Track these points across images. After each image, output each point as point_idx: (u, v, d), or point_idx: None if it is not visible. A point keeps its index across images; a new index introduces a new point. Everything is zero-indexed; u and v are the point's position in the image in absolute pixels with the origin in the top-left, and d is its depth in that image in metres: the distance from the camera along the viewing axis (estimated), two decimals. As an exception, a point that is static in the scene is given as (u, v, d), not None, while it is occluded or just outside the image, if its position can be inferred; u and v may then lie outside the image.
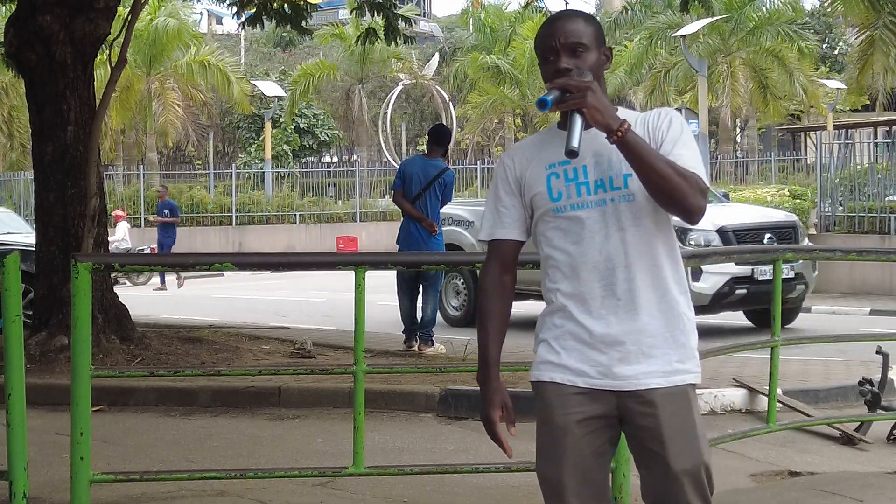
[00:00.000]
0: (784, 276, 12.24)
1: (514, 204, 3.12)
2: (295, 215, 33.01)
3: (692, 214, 2.93)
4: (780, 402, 7.28)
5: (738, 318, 14.46)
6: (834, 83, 38.16)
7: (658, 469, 3.01)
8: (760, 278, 12.74)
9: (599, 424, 3.03)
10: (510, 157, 3.17)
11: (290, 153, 45.14)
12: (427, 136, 11.23)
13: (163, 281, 23.55)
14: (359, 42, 14.42)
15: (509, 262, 3.17)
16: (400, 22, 13.18)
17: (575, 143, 2.85)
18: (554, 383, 3.05)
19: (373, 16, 13.45)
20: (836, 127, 34.99)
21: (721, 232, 12.86)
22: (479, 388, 3.14)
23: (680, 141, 3.00)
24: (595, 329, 3.00)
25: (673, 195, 2.90)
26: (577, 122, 2.87)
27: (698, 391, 8.77)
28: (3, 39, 10.48)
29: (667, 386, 3.00)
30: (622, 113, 2.99)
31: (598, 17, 53.84)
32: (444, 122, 37.56)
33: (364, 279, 4.73)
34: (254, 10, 13.06)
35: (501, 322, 3.15)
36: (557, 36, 3.02)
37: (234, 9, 13.58)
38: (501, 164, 3.17)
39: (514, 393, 8.28)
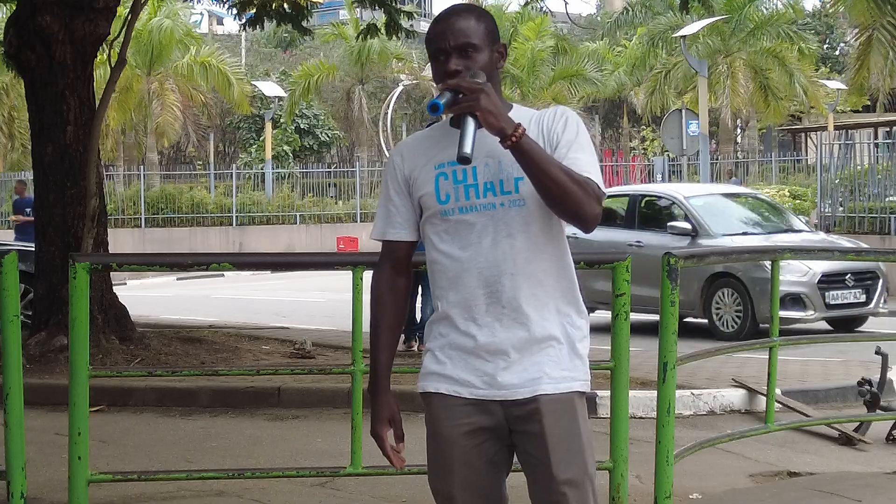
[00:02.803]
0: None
1: (403, 203, 3.00)
2: (295, 216, 33.02)
3: (587, 223, 2.82)
4: (779, 402, 7.28)
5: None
6: (834, 84, 38.16)
7: (542, 478, 2.91)
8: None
9: (487, 436, 2.94)
10: (399, 154, 3.03)
11: (290, 154, 45.13)
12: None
13: None
14: (359, 37, 14.41)
15: (402, 264, 3.07)
16: (401, 17, 13.19)
17: (468, 150, 2.71)
18: (440, 394, 2.95)
19: (373, 9, 13.44)
20: (836, 127, 34.99)
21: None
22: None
23: (575, 143, 2.87)
24: (479, 338, 2.90)
25: (567, 203, 2.79)
26: (470, 125, 2.74)
27: (698, 391, 8.76)
28: (3, 39, 10.47)
29: (552, 392, 2.90)
30: (518, 112, 2.89)
31: (598, 17, 53.81)
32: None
33: (362, 279, 4.72)
34: (254, 11, 13.07)
35: (394, 329, 3.06)
36: (448, 36, 2.89)
37: (235, 10, 13.60)
38: (391, 162, 3.03)
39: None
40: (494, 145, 2.82)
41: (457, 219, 2.92)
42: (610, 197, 13.75)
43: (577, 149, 2.87)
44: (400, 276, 3.08)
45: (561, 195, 2.78)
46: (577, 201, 2.78)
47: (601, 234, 12.79)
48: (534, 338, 2.90)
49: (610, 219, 13.63)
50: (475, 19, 2.92)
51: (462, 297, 2.93)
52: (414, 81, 43.59)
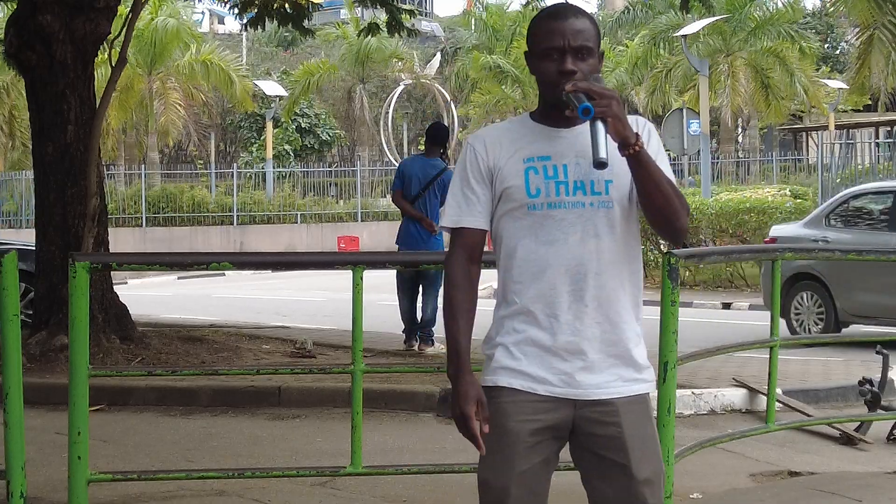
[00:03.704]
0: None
1: (483, 192, 2.99)
2: (296, 215, 33.02)
3: (679, 235, 2.91)
4: (779, 401, 7.28)
5: (739, 318, 14.44)
6: (835, 83, 38.17)
7: (619, 480, 2.94)
8: None
9: (549, 435, 2.95)
10: (481, 143, 3.02)
11: (291, 153, 45.14)
12: (425, 136, 11.21)
13: None
14: (360, 35, 14.41)
15: (476, 252, 3.04)
16: (403, 15, 13.19)
17: (603, 154, 2.76)
18: (512, 389, 2.95)
19: (374, 9, 13.44)
20: (837, 127, 35.02)
21: None
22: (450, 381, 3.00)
23: (660, 155, 2.94)
24: (559, 335, 2.92)
25: (668, 213, 2.87)
26: (602, 130, 2.78)
27: (699, 391, 8.76)
28: (3, 39, 10.47)
29: (629, 395, 2.95)
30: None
31: (599, 17, 53.81)
32: (446, 122, 37.58)
33: (362, 279, 4.72)
34: (255, 11, 13.08)
35: (470, 314, 3.02)
36: (566, 35, 2.90)
37: (236, 10, 13.60)
38: (471, 150, 3.02)
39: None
40: (585, 145, 2.87)
41: (544, 213, 2.93)
42: (863, 195, 12.84)
43: (662, 160, 2.94)
44: (473, 263, 3.04)
45: (665, 206, 2.86)
46: (677, 214, 2.88)
47: (857, 237, 12.14)
48: (611, 339, 2.94)
49: (862, 217, 12.55)
50: (590, 22, 2.97)
51: (544, 292, 2.93)
52: (415, 81, 43.53)
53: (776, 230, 13.76)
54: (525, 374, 2.95)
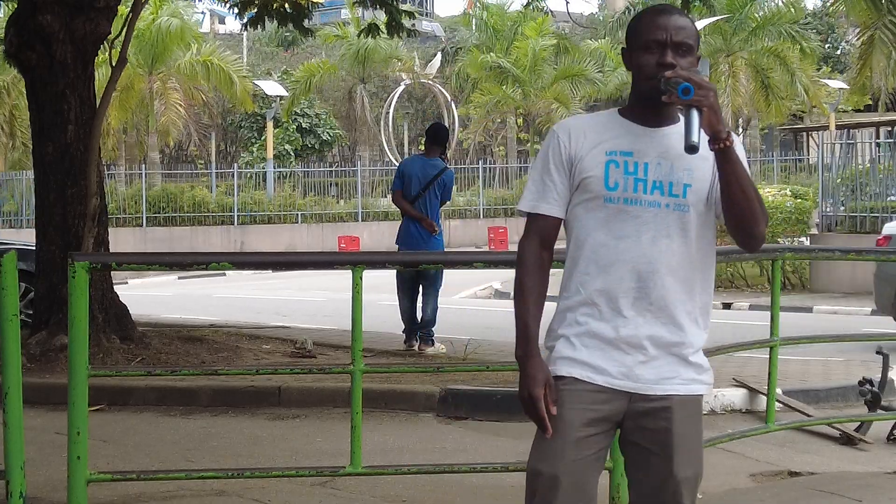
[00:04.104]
0: None
1: (562, 181, 3.02)
2: (297, 215, 33.02)
3: (757, 241, 2.94)
4: (779, 401, 7.28)
5: (739, 318, 14.44)
6: (836, 83, 38.18)
7: (658, 475, 2.97)
8: None
9: (604, 428, 2.98)
10: (565, 132, 3.04)
11: (291, 153, 45.14)
12: (425, 136, 11.21)
13: None
14: (360, 36, 14.42)
15: (549, 239, 3.06)
16: (403, 16, 13.19)
17: (696, 139, 2.80)
18: (572, 377, 2.97)
19: (374, 9, 13.45)
20: (838, 127, 34.98)
21: None
22: (518, 364, 3.01)
23: (743, 161, 2.97)
24: (622, 329, 2.95)
25: (749, 216, 2.89)
26: (697, 118, 2.81)
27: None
28: (3, 38, 10.47)
29: (684, 394, 2.98)
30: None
31: (600, 17, 53.80)
32: (447, 122, 37.61)
33: (361, 278, 4.72)
34: (255, 11, 13.08)
35: (540, 298, 3.03)
36: (669, 30, 2.95)
37: (236, 10, 13.60)
38: (555, 139, 3.04)
39: (514, 393, 8.23)
40: (668, 146, 2.93)
41: (619, 208, 2.96)
42: None
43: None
44: (546, 250, 3.07)
45: (748, 208, 2.88)
46: (757, 219, 2.90)
47: None
48: (672, 340, 2.97)
49: None
50: (691, 23, 3.02)
51: (610, 285, 2.96)
52: (415, 81, 43.51)
53: (889, 228, 13.79)
54: (585, 363, 2.97)
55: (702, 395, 3.04)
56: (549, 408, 2.94)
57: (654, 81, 2.91)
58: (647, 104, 2.98)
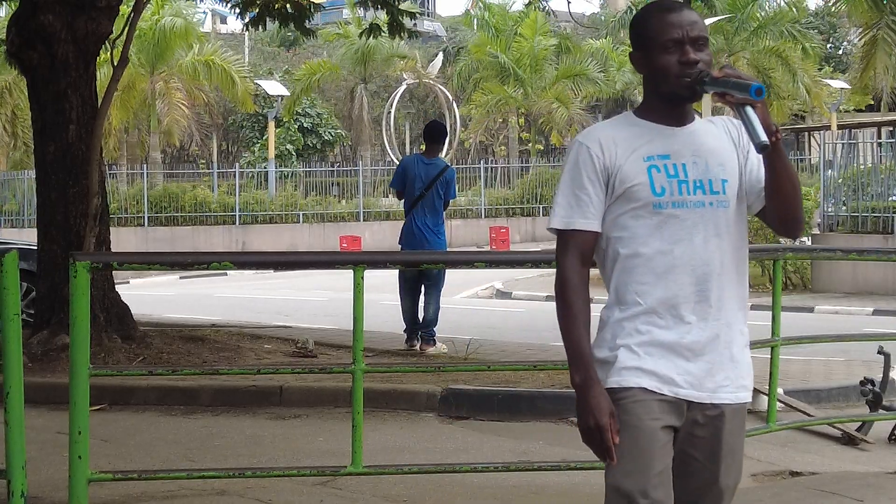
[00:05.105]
0: None
1: (597, 194, 2.92)
2: (298, 215, 33.01)
3: (798, 229, 2.96)
4: (781, 401, 7.27)
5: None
6: (838, 83, 38.17)
7: (701, 481, 2.97)
8: None
9: (671, 438, 2.93)
10: (595, 143, 2.94)
11: (293, 153, 45.14)
12: (424, 136, 11.21)
13: None
14: (362, 36, 14.41)
15: (588, 255, 2.97)
16: (404, 17, 13.19)
17: (765, 137, 2.75)
18: (641, 388, 2.89)
19: (375, 10, 13.44)
20: (839, 127, 34.97)
21: None
22: (573, 390, 2.91)
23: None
24: (686, 336, 2.89)
25: (793, 206, 2.91)
26: (755, 116, 2.77)
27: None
28: (4, 38, 10.48)
29: (733, 403, 2.96)
30: (699, 122, 2.99)
31: (601, 17, 53.77)
32: (448, 122, 37.58)
33: (362, 278, 4.72)
34: (257, 11, 13.07)
35: (589, 319, 2.94)
36: (685, 27, 2.90)
37: (238, 10, 13.59)
38: (585, 150, 2.94)
39: (515, 393, 8.24)
40: (699, 144, 2.92)
41: (669, 213, 2.90)
42: None
43: None
44: (585, 266, 2.97)
45: (793, 199, 2.90)
46: (799, 207, 2.93)
47: None
48: (727, 340, 2.94)
49: None
50: (698, 15, 2.98)
51: (671, 293, 2.90)
52: (417, 80, 43.50)
53: None
54: (653, 373, 2.90)
55: (746, 404, 3.01)
56: (614, 437, 2.85)
57: (685, 80, 2.88)
58: (673, 104, 2.95)
